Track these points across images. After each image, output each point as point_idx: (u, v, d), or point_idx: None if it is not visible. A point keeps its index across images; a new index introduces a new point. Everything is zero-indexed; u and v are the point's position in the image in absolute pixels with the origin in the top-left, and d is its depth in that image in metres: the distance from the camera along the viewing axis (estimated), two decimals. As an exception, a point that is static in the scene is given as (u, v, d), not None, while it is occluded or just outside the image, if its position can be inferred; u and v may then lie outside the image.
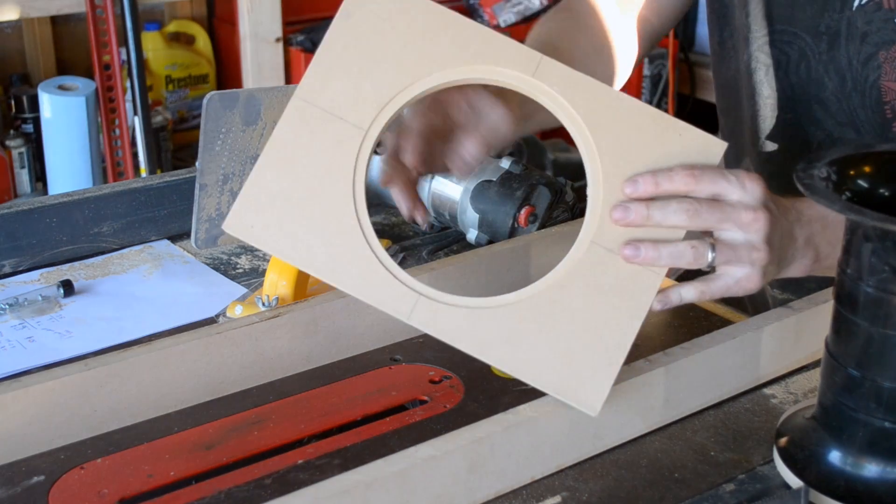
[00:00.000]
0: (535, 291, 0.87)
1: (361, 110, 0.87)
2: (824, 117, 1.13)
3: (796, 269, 0.96)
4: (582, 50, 1.16)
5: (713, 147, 0.88)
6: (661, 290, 0.89)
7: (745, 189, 0.87)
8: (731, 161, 1.29)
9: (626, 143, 0.87)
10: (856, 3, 1.07)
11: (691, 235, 0.89)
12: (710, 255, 0.87)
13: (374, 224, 1.39)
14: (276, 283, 1.11)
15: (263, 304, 1.08)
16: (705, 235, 0.89)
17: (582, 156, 0.88)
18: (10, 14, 2.64)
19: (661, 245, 0.86)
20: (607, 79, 1.20)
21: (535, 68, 0.88)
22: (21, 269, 1.27)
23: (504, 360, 0.86)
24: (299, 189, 0.86)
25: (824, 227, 0.95)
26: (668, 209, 0.86)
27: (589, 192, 0.89)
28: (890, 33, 1.05)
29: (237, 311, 1.12)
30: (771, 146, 1.20)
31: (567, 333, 0.86)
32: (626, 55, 1.24)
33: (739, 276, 0.89)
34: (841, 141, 1.13)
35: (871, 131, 1.10)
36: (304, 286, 1.13)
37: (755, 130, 1.21)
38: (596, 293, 0.87)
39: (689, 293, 0.90)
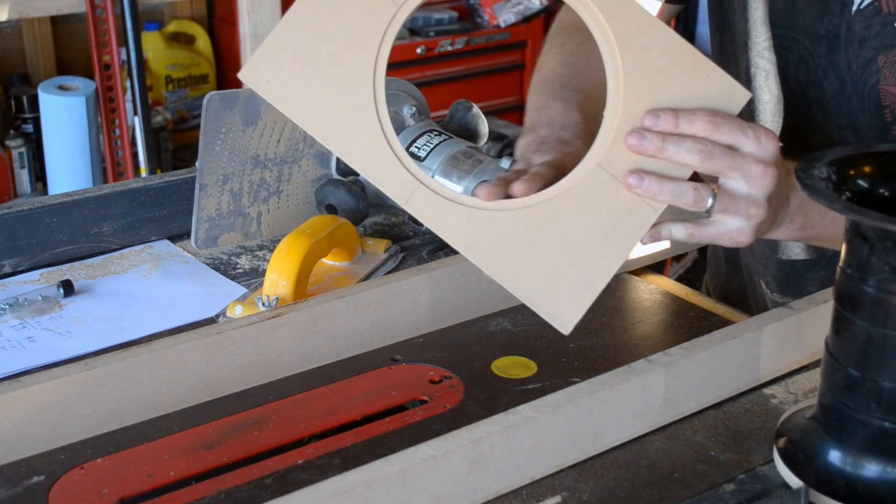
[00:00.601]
0: (533, 202, 0.87)
1: None
2: (824, 120, 1.13)
3: (783, 233, 0.97)
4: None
5: (737, 95, 0.87)
6: (653, 226, 0.90)
7: (760, 143, 0.87)
8: None
9: (653, 72, 0.86)
10: (854, 7, 1.07)
11: (697, 180, 0.90)
12: (709, 201, 0.88)
13: (374, 224, 1.39)
14: (276, 283, 1.11)
15: (263, 304, 1.08)
16: (710, 181, 0.90)
17: (607, 76, 0.87)
18: (10, 14, 2.64)
19: (665, 180, 0.87)
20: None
21: None
22: (21, 269, 1.27)
23: (489, 264, 0.87)
24: (322, 52, 0.84)
25: None
26: (682, 146, 0.86)
27: (606, 113, 0.88)
28: (889, 37, 1.05)
29: (237, 312, 1.12)
30: None
31: (555, 249, 0.87)
32: None
33: (732, 228, 0.91)
34: (841, 144, 1.13)
35: (870, 135, 1.10)
36: (304, 286, 1.13)
37: None
38: (590, 215, 0.87)
39: (678, 231, 0.91)
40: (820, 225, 0.98)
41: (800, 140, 1.16)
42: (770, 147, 0.88)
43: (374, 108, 0.85)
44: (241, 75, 0.85)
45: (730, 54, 1.22)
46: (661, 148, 0.86)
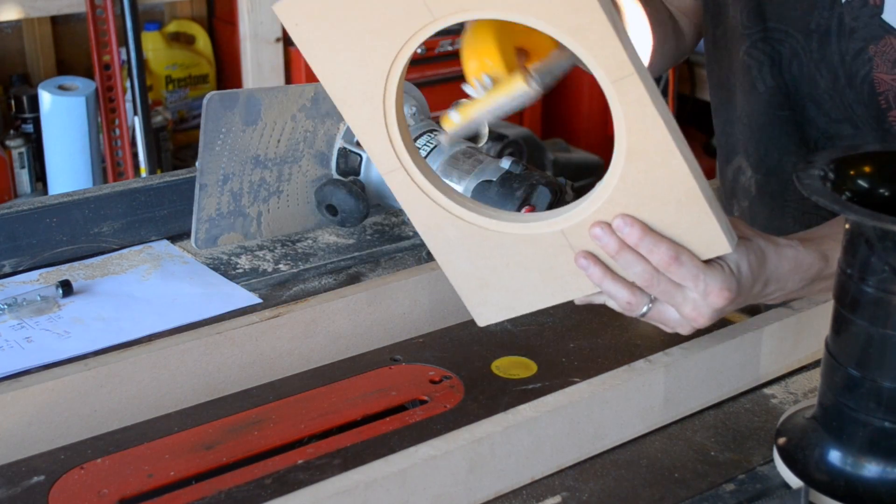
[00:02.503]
0: (494, 228, 0.93)
1: None
2: (817, 115, 1.13)
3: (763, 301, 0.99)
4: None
5: (717, 245, 0.88)
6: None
7: (705, 297, 0.89)
8: (724, 158, 1.28)
9: (648, 189, 0.87)
10: (843, 0, 1.07)
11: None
12: (644, 309, 0.92)
13: (374, 224, 1.39)
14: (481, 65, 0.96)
15: (481, 87, 0.94)
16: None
17: (610, 166, 0.88)
18: (10, 14, 2.64)
19: (608, 278, 0.90)
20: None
21: (620, 79, 0.83)
22: (21, 269, 1.27)
23: (437, 250, 0.96)
24: (353, 25, 0.86)
25: (809, 277, 0.96)
26: (634, 265, 0.89)
27: (594, 193, 0.89)
28: (876, 28, 1.05)
29: (455, 119, 0.95)
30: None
31: (496, 270, 0.95)
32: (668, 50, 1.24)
33: (663, 327, 0.94)
34: (838, 137, 1.13)
35: (868, 124, 1.10)
36: (512, 57, 0.97)
37: (750, 128, 1.21)
38: (537, 265, 0.93)
39: (612, 304, 0.94)
40: (804, 290, 0.98)
41: (796, 134, 1.16)
42: (714, 303, 0.89)
43: (384, 90, 0.88)
44: (275, 7, 0.87)
45: (722, 48, 1.22)
46: (615, 255, 0.89)
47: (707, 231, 0.88)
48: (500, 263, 0.94)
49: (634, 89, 0.83)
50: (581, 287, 0.93)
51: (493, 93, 0.93)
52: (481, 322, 0.99)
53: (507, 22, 0.85)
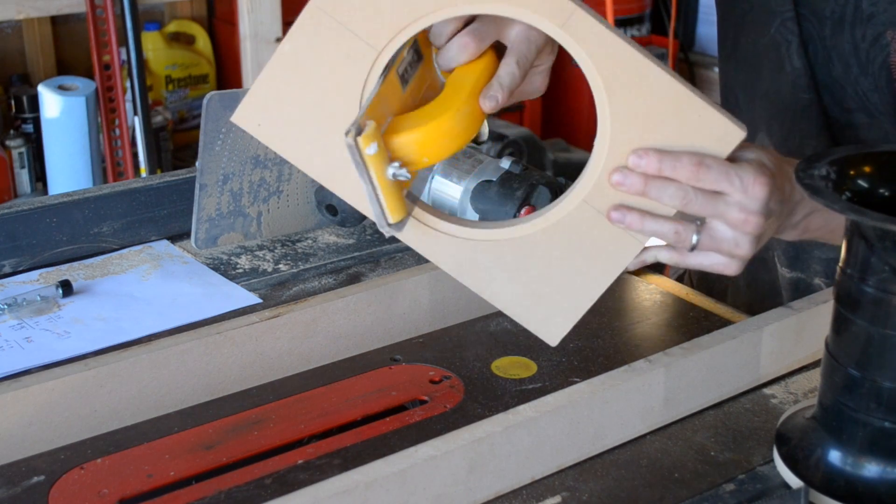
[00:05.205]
0: (520, 234, 0.90)
1: (377, 29, 0.85)
2: (831, 103, 1.13)
3: (783, 237, 0.98)
4: None
5: (730, 134, 0.87)
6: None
7: (746, 192, 0.87)
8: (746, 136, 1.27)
9: (641, 112, 0.86)
10: None
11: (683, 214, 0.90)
12: (693, 239, 0.89)
13: (374, 224, 1.39)
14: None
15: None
16: (697, 218, 0.90)
17: (597, 114, 0.87)
18: (10, 14, 2.64)
19: (648, 218, 0.88)
20: None
21: (566, 20, 0.83)
22: (21, 269, 1.27)
23: (478, 286, 0.92)
24: (307, 97, 0.86)
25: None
26: (665, 189, 0.87)
27: (594, 151, 0.89)
28: None
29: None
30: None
31: (541, 276, 0.91)
32: None
33: (717, 262, 0.91)
34: (851, 127, 1.12)
35: (885, 112, 1.09)
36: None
37: (776, 106, 1.20)
38: (576, 247, 0.90)
39: (664, 257, 0.92)
40: (823, 229, 0.97)
41: (818, 118, 1.16)
42: (758, 194, 0.87)
43: None
44: (234, 118, 0.88)
45: (750, 22, 1.20)
46: (643, 190, 0.87)
47: (715, 126, 0.86)
48: (544, 267, 0.92)
49: (584, 23, 0.83)
50: (627, 249, 0.90)
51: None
52: (554, 340, 0.94)
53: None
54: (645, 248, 0.92)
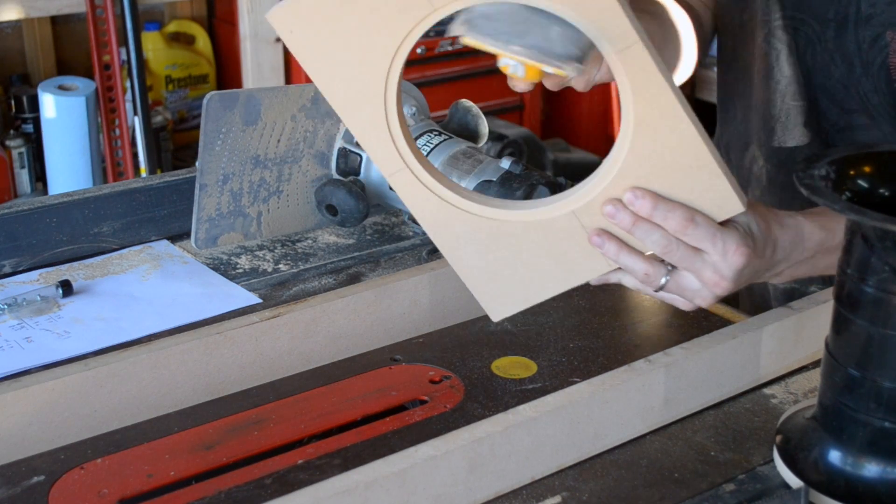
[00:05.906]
0: (501, 217, 0.92)
1: None
2: (829, 107, 1.13)
3: (768, 279, 0.99)
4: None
5: (730, 205, 0.89)
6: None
7: (725, 257, 0.89)
8: (739, 147, 1.28)
9: (658, 155, 0.87)
10: None
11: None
12: (662, 280, 0.92)
13: (374, 224, 1.39)
14: None
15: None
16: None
17: (617, 139, 0.88)
18: (10, 14, 2.64)
19: (625, 251, 0.90)
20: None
21: (625, 48, 0.83)
22: (21, 269, 1.27)
23: (446, 248, 0.95)
24: (350, 23, 0.85)
25: (810, 257, 0.96)
26: (651, 234, 0.89)
27: (600, 169, 0.89)
28: (895, 14, 1.05)
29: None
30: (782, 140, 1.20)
31: (506, 261, 0.94)
32: (689, 44, 1.24)
33: (676, 301, 0.94)
34: (850, 129, 1.13)
35: (885, 113, 1.10)
36: None
37: (764, 116, 1.21)
38: (549, 249, 0.92)
39: (628, 282, 0.94)
40: (810, 272, 0.98)
41: (812, 124, 1.16)
42: (734, 263, 0.89)
43: (384, 89, 0.88)
44: (268, 16, 0.86)
45: (748, 32, 1.21)
46: (631, 228, 0.89)
47: (719, 192, 0.88)
48: (512, 254, 0.94)
49: (639, 58, 0.83)
50: (595, 267, 0.93)
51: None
52: (496, 316, 0.98)
53: None
54: (613, 270, 0.93)
